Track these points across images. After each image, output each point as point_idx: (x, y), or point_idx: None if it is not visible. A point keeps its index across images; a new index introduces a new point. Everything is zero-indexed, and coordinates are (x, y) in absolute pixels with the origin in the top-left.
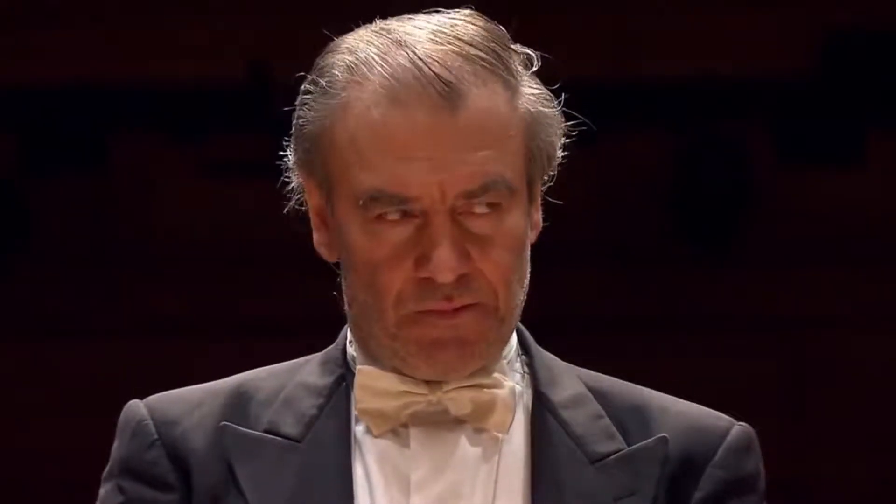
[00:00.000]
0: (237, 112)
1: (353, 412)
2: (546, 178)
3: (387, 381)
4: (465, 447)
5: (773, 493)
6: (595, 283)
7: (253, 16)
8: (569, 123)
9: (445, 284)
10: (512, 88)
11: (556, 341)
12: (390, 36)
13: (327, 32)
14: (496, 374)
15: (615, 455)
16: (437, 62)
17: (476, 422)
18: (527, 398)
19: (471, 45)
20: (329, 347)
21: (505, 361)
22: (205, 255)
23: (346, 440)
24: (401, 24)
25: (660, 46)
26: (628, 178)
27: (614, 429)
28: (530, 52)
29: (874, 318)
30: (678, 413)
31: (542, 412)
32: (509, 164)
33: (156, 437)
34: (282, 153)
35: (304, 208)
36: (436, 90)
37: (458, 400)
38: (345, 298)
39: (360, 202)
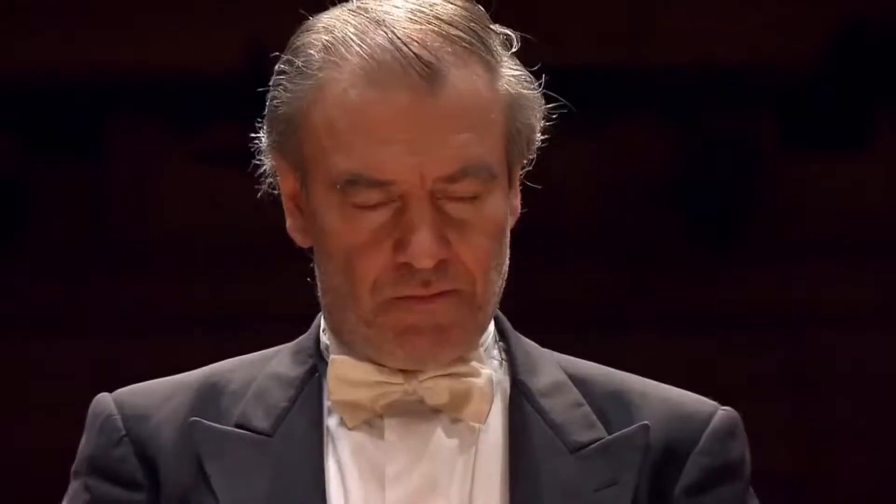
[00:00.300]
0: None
1: (326, 404)
2: (526, 161)
3: (361, 370)
4: (442, 438)
5: (775, 488)
6: (596, 278)
7: (251, 2)
8: (550, 106)
9: (423, 270)
10: (492, 69)
11: (555, 337)
12: (368, 15)
13: (303, 12)
14: (473, 363)
15: (595, 444)
16: (417, 42)
17: (453, 412)
18: (505, 386)
19: (451, 24)
20: (301, 336)
21: (482, 349)
22: (202, 243)
23: (318, 433)
24: (379, 3)
25: (662, 35)
26: (629, 170)
27: (594, 417)
28: (510, 33)
29: (882, 310)
30: (660, 399)
31: (521, 400)
32: (490, 148)
33: (123, 432)
34: (254, 135)
35: (276, 192)
36: (416, 71)
37: (434, 389)
38: (318, 285)
39: (337, 186)
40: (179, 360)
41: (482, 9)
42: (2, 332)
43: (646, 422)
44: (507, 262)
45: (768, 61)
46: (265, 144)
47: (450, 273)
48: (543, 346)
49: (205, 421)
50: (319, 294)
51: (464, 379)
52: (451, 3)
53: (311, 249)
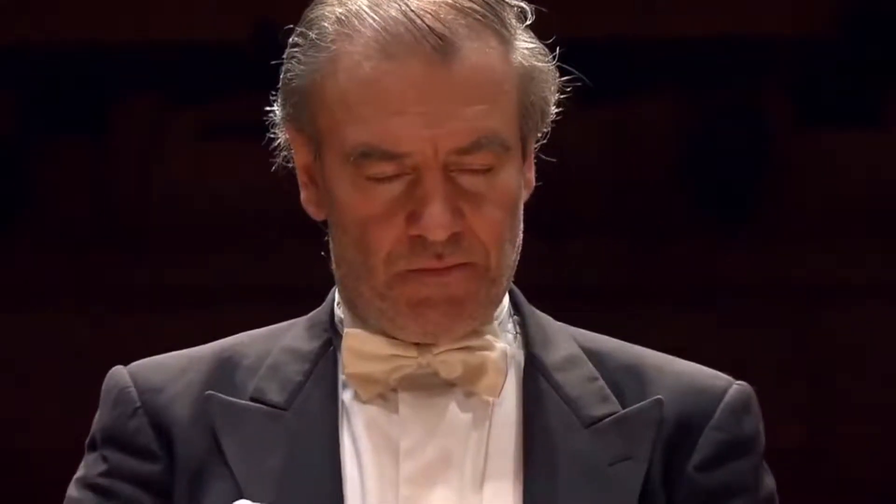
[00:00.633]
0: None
1: (341, 377)
2: (539, 135)
3: (375, 344)
4: (456, 412)
5: (789, 460)
6: (608, 252)
7: None
8: (563, 79)
9: (437, 243)
10: (506, 42)
11: (567, 312)
12: None
13: None
14: (487, 336)
15: (609, 418)
16: (430, 14)
17: (467, 385)
18: (519, 359)
19: None
20: (315, 310)
21: (496, 323)
22: (204, 218)
23: (333, 407)
24: None
25: (675, 8)
26: (640, 143)
27: (608, 391)
28: (524, 6)
29: (893, 287)
30: (675, 373)
31: (535, 375)
32: (503, 121)
33: (139, 404)
34: (268, 108)
35: (290, 165)
36: (429, 43)
37: (448, 363)
38: (332, 258)
39: (351, 158)
40: (183, 335)
41: None
42: (5, 305)
43: (660, 396)
44: (521, 234)
45: (780, 35)
46: (279, 117)
47: (463, 246)
48: (555, 319)
49: (220, 394)
50: (333, 267)
51: (478, 352)
52: None
53: (325, 222)
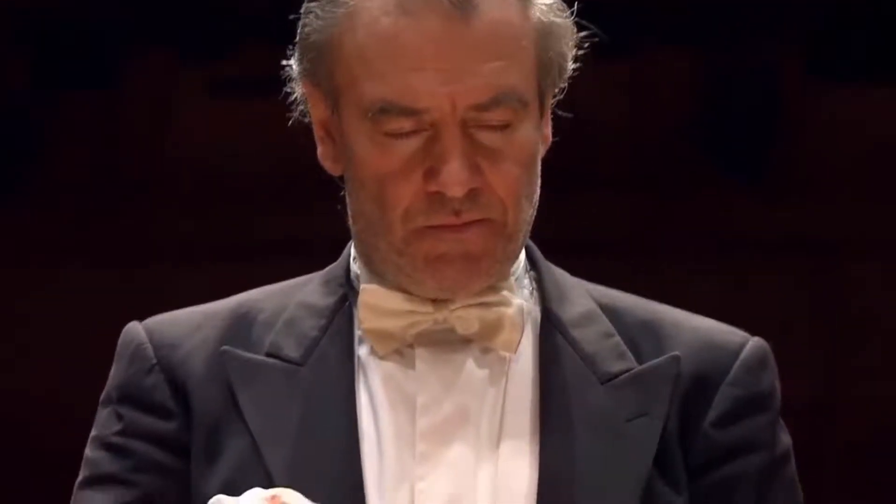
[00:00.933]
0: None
1: (357, 333)
2: (557, 90)
3: (392, 299)
4: (472, 368)
5: (803, 415)
6: (622, 208)
7: None
8: (581, 34)
9: (455, 199)
10: None
11: (583, 268)
12: None
13: None
14: (504, 292)
15: (626, 375)
16: None
17: (483, 341)
18: (535, 315)
19: None
20: (332, 265)
21: (513, 278)
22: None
23: (349, 362)
24: None
25: None
26: (656, 99)
27: (625, 347)
28: None
29: None
30: (691, 329)
31: (551, 331)
32: (521, 77)
33: (154, 361)
34: (285, 62)
35: (307, 120)
36: None
37: (464, 318)
38: (350, 213)
39: (369, 114)
40: (196, 292)
41: None
42: (15, 261)
43: (676, 352)
44: (538, 191)
45: None
46: (296, 72)
47: (481, 202)
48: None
49: (236, 350)
50: (350, 222)
51: (494, 308)
52: None
53: (341, 177)
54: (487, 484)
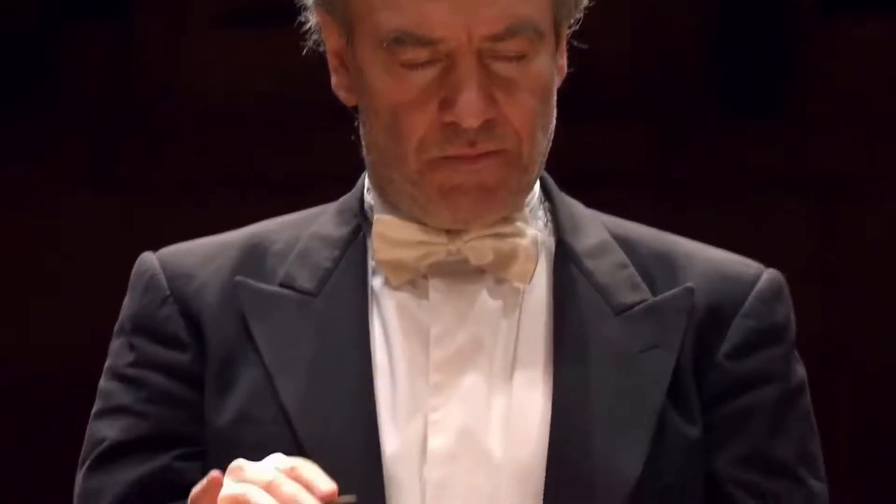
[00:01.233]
0: None
1: (371, 263)
2: (573, 21)
3: (406, 230)
4: (486, 298)
5: (813, 352)
6: (636, 140)
7: None
8: None
9: (470, 129)
10: None
11: (590, 198)
12: None
13: None
14: (518, 223)
15: (640, 306)
16: None
17: (497, 272)
18: (549, 246)
19: None
20: (345, 196)
21: (527, 210)
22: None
23: (363, 293)
24: None
25: None
26: (663, 29)
27: (639, 278)
28: None
29: None
30: (705, 260)
31: (566, 262)
32: (537, 7)
33: (168, 292)
34: None
35: (321, 49)
36: None
37: (478, 249)
38: (363, 144)
39: (384, 44)
40: (208, 224)
41: None
42: (28, 191)
43: (690, 284)
44: (554, 122)
45: None
46: (309, 1)
47: (496, 133)
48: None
49: (249, 280)
50: (364, 152)
51: (509, 239)
52: None
53: (355, 108)
54: (501, 414)
